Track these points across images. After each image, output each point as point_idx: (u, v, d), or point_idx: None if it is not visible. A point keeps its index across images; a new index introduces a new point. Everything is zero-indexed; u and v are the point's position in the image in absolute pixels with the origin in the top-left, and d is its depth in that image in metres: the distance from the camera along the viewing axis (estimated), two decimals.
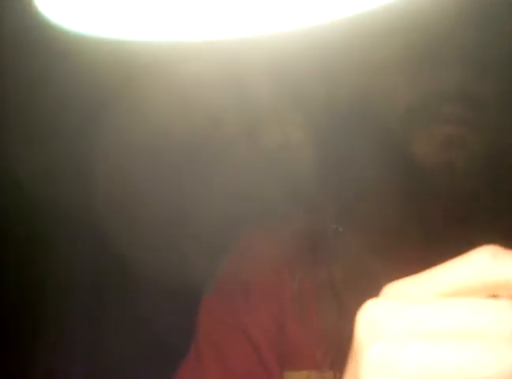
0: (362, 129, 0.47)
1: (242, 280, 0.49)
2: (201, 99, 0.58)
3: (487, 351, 0.28)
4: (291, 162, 0.55)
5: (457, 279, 0.30)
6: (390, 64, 0.46)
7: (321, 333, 0.53)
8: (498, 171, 0.54)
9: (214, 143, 0.62)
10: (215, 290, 0.58)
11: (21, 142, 0.69)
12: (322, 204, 0.46)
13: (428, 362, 0.28)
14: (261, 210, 0.56)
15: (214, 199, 0.62)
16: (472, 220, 0.54)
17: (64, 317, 0.72)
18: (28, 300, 0.72)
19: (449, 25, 0.43)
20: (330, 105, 0.48)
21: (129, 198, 0.69)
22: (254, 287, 0.52)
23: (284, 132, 0.54)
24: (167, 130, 0.63)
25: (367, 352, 0.29)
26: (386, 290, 0.31)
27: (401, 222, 0.45)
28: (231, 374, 0.49)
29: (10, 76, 0.64)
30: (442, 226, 0.53)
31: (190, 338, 0.56)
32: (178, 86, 0.56)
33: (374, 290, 0.32)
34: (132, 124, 0.64)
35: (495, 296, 0.31)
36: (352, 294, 0.42)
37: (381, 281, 0.35)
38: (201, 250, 0.61)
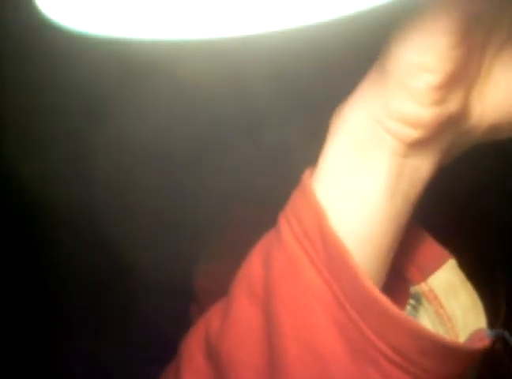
0: None
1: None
2: (200, 98, 0.58)
3: None
4: (291, 162, 0.55)
5: None
6: None
7: None
8: None
9: (214, 143, 0.62)
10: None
11: (21, 142, 0.69)
12: None
13: None
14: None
15: (214, 199, 0.62)
16: None
17: (64, 317, 0.72)
18: (28, 300, 0.72)
19: None
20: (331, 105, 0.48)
21: (130, 198, 0.69)
22: None
23: (284, 132, 0.54)
24: (167, 130, 0.63)
25: None
26: None
27: None
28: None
29: (10, 76, 0.64)
30: None
31: None
32: (177, 86, 0.56)
33: None
34: (132, 123, 0.64)
35: None
36: None
37: None
38: (202, 251, 0.61)
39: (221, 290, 0.47)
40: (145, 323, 0.69)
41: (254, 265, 0.41)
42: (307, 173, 0.41)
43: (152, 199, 0.69)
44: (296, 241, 0.38)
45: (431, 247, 0.42)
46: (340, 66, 0.49)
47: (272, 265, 0.39)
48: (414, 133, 0.36)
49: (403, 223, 0.39)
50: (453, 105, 0.36)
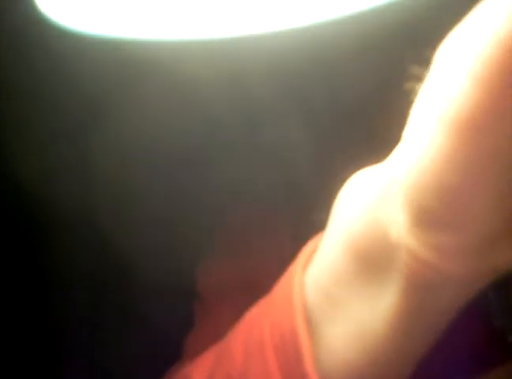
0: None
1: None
2: (200, 98, 0.57)
3: None
4: (292, 162, 0.55)
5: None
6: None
7: None
8: None
9: (214, 142, 0.62)
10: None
11: (20, 143, 0.69)
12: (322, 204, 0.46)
13: None
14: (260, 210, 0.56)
15: (214, 199, 0.62)
16: None
17: (63, 318, 0.72)
18: (29, 301, 0.72)
19: None
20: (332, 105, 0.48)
21: (130, 198, 0.69)
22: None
23: (284, 132, 0.54)
24: (167, 130, 0.63)
25: None
26: None
27: None
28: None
29: (9, 75, 0.64)
30: None
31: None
32: (177, 85, 0.56)
33: None
34: (132, 123, 0.64)
35: None
36: None
37: None
38: (201, 251, 0.61)
39: (223, 288, 0.47)
40: (146, 323, 0.69)
41: (235, 352, 0.34)
42: (301, 259, 0.31)
43: (152, 198, 0.69)
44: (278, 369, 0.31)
45: None
46: (340, 66, 0.49)
47: (250, 374, 0.32)
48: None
49: (422, 353, 0.28)
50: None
